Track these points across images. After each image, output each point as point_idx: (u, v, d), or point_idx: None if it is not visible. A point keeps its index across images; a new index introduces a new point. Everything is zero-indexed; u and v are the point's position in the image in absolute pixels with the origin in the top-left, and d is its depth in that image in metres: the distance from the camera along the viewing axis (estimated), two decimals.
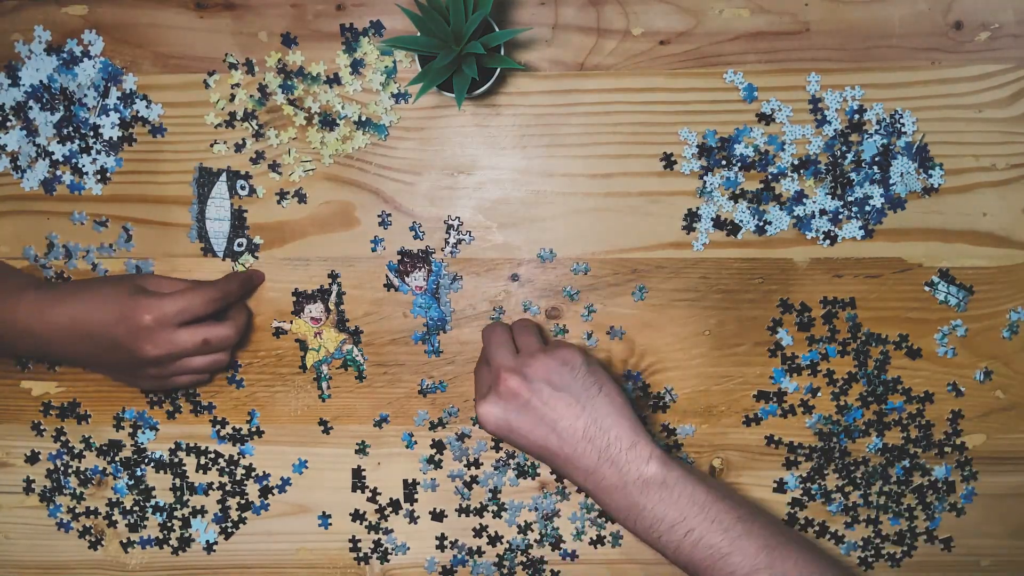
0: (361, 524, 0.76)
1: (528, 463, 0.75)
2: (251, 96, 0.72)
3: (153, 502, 0.77)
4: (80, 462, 0.77)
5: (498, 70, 0.67)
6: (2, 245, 0.75)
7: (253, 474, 0.76)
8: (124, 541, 0.77)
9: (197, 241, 0.73)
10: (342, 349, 0.74)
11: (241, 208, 0.73)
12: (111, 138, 0.73)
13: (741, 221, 0.71)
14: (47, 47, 0.72)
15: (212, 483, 0.76)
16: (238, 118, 0.72)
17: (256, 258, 0.73)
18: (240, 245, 0.73)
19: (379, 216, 0.73)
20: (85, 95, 0.72)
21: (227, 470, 0.76)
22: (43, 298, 0.67)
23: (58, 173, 0.73)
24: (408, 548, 0.76)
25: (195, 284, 0.69)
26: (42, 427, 0.77)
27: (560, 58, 0.71)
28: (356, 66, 0.71)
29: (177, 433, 0.76)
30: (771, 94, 0.70)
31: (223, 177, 0.73)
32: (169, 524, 0.77)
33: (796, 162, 0.70)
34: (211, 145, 0.73)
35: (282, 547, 0.77)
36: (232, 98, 0.72)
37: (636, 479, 0.60)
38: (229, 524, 0.77)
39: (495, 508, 0.75)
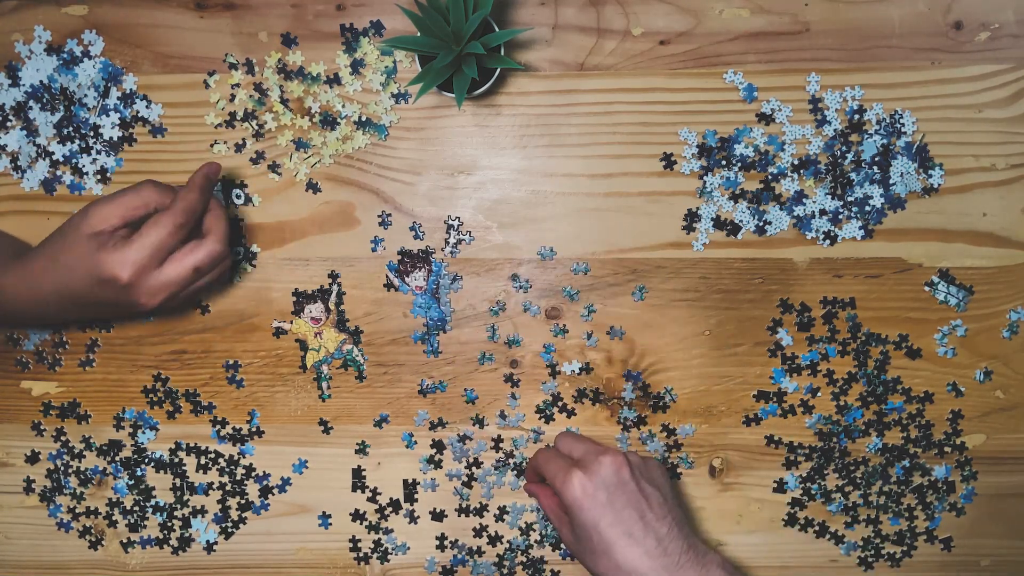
0: (361, 524, 0.76)
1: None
2: (251, 96, 0.72)
3: (153, 502, 0.77)
4: (80, 462, 0.77)
5: (498, 70, 0.67)
6: None
7: (253, 474, 0.76)
8: (124, 541, 0.77)
9: None
10: (342, 349, 0.74)
11: (238, 217, 0.73)
12: (111, 138, 0.73)
13: (741, 221, 0.71)
14: (47, 47, 0.72)
15: (212, 483, 0.76)
16: (238, 118, 0.72)
17: (253, 266, 0.73)
18: (237, 254, 0.73)
19: (379, 216, 0.73)
20: (85, 95, 0.72)
21: (227, 470, 0.76)
22: (23, 271, 0.64)
23: (58, 173, 0.73)
24: (408, 548, 0.76)
25: (143, 194, 0.64)
26: (42, 427, 0.77)
27: (560, 58, 0.71)
28: (356, 66, 0.71)
29: (177, 433, 0.76)
30: (771, 94, 0.70)
31: (219, 186, 0.73)
32: (169, 524, 0.77)
33: (796, 162, 0.70)
34: (211, 145, 0.73)
35: (282, 547, 0.77)
36: (232, 98, 0.72)
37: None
38: (229, 524, 0.77)
39: (495, 509, 0.75)
